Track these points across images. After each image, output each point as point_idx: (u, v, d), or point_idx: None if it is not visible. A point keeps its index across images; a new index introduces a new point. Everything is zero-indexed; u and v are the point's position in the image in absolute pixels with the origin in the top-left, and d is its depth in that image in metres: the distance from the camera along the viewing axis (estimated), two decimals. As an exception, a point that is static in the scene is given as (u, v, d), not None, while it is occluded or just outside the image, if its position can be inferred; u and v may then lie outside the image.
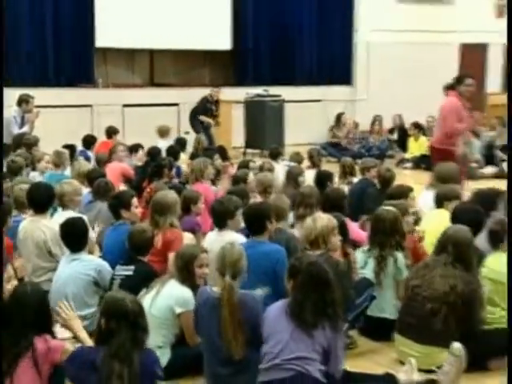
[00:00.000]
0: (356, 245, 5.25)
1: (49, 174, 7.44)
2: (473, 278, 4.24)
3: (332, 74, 14.91)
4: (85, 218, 5.10)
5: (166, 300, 4.11)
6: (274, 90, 13.09)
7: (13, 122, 9.32)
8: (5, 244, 4.65)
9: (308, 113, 14.02)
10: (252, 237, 4.77)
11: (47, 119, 10.37)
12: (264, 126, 12.64)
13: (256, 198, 6.16)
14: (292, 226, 5.65)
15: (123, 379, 3.05)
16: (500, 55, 16.72)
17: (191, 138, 10.81)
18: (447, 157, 7.52)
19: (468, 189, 6.75)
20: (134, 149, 8.97)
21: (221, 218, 5.09)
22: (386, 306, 4.67)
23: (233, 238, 4.88)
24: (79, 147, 9.39)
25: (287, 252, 4.60)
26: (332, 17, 14.83)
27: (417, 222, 5.78)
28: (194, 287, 4.15)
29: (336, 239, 4.53)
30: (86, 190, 6.39)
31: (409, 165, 12.14)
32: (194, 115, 12.06)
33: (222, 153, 9.67)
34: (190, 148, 10.09)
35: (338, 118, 14.11)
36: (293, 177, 6.97)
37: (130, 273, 4.56)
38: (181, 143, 9.85)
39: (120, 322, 3.15)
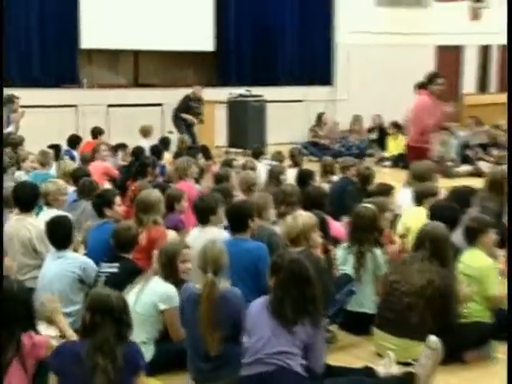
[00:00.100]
0: (337, 241, 5.27)
1: (34, 173, 7.41)
2: (449, 273, 4.27)
3: (313, 75, 14.94)
4: (70, 216, 5.08)
5: (150, 297, 4.10)
6: (256, 91, 13.11)
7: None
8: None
9: (289, 113, 14.04)
10: (234, 234, 4.77)
11: (32, 119, 10.30)
12: (246, 126, 12.66)
13: (238, 196, 6.16)
14: (274, 223, 5.66)
15: (107, 373, 3.04)
16: (475, 57, 16.87)
17: (175, 137, 10.79)
18: (422, 154, 7.58)
19: (444, 187, 6.78)
20: (118, 148, 8.95)
21: (203, 214, 5.09)
22: (366, 301, 4.69)
23: (215, 233, 4.90)
24: (64, 147, 9.34)
25: (269, 249, 4.60)
26: (313, 19, 14.87)
27: (395, 219, 5.81)
28: (177, 283, 4.15)
29: (316, 236, 4.54)
30: (71, 189, 6.36)
31: (388, 163, 12.19)
32: (177, 114, 12.02)
33: (205, 152, 9.68)
34: (173, 147, 10.07)
35: (319, 117, 14.15)
36: (275, 175, 6.98)
37: (115, 270, 4.54)
38: (164, 143, 9.84)
39: (105, 317, 3.14)
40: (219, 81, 14.19)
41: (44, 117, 11.68)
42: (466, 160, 11.66)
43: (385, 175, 10.01)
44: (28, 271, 5.05)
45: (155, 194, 5.37)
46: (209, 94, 12.61)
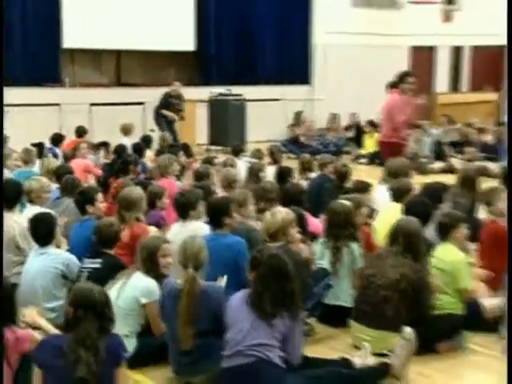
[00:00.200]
0: (314, 237, 5.28)
1: (17, 171, 7.35)
2: (422, 267, 4.30)
3: (291, 75, 14.96)
4: (53, 213, 5.04)
5: (132, 291, 4.08)
6: (236, 90, 13.10)
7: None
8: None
9: (269, 111, 14.05)
10: (214, 230, 4.76)
11: (16, 118, 10.19)
12: (227, 124, 12.65)
13: (219, 193, 6.15)
14: (254, 219, 5.66)
15: (89, 365, 3.02)
16: (447, 57, 17.00)
17: (157, 135, 10.74)
18: (394, 150, 7.62)
19: (418, 183, 6.83)
20: (100, 146, 8.91)
21: (183, 209, 5.09)
22: (342, 294, 4.70)
23: (196, 227, 4.89)
24: (47, 145, 9.27)
25: (249, 244, 4.60)
26: (291, 20, 14.89)
27: (371, 214, 5.84)
28: (158, 277, 4.14)
29: (294, 231, 4.55)
30: (54, 186, 6.31)
31: (364, 160, 12.24)
32: (158, 112, 11.97)
33: (187, 150, 9.66)
34: (155, 145, 10.03)
35: (297, 116, 14.19)
36: (254, 172, 6.97)
37: (98, 265, 4.52)
38: (146, 140, 9.79)
39: (87, 312, 3.12)
40: (200, 80, 14.16)
41: (27, 116, 11.57)
42: (439, 157, 11.76)
43: (361, 172, 10.06)
44: (12, 267, 5.00)
45: (137, 192, 5.35)
46: (190, 92, 12.56)
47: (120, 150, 8.56)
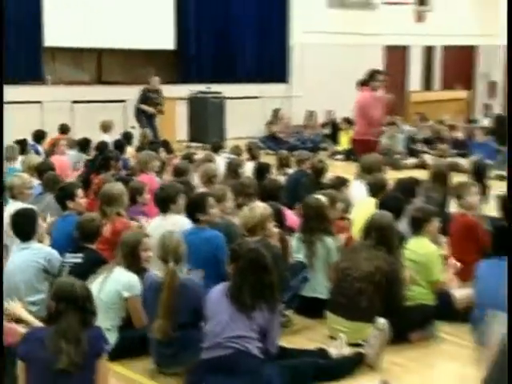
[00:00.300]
0: (292, 231, 5.28)
1: (0, 168, 7.25)
2: (395, 259, 4.32)
3: (269, 73, 14.94)
4: (35, 208, 4.99)
5: (113, 285, 4.06)
6: (215, 88, 13.06)
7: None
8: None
9: (247, 109, 14.03)
10: (194, 224, 4.75)
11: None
12: (206, 121, 12.62)
13: (199, 189, 6.14)
14: (232, 214, 5.65)
15: (71, 357, 3.00)
16: (419, 56, 17.10)
17: (137, 132, 10.69)
18: (367, 147, 7.66)
19: (392, 178, 6.87)
20: (82, 143, 8.85)
21: (163, 203, 5.08)
22: (319, 286, 4.71)
23: (176, 220, 4.88)
24: (30, 142, 9.18)
25: (228, 238, 4.60)
26: (269, 20, 14.88)
27: (347, 209, 5.86)
28: (139, 271, 4.12)
29: (272, 226, 4.55)
30: (36, 182, 6.25)
31: (340, 157, 12.27)
32: (139, 109, 11.90)
33: (167, 146, 9.62)
34: (136, 142, 9.97)
35: (275, 113, 14.18)
36: (233, 168, 6.96)
37: (79, 260, 4.48)
38: (127, 137, 9.75)
39: (69, 306, 3.09)
40: (180, 78, 14.09)
41: (9, 113, 11.39)
42: (412, 153, 11.83)
43: (337, 168, 10.08)
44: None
45: (118, 187, 5.32)
46: (170, 90, 12.49)
47: (102, 146, 8.51)
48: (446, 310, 4.48)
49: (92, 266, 4.31)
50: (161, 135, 11.59)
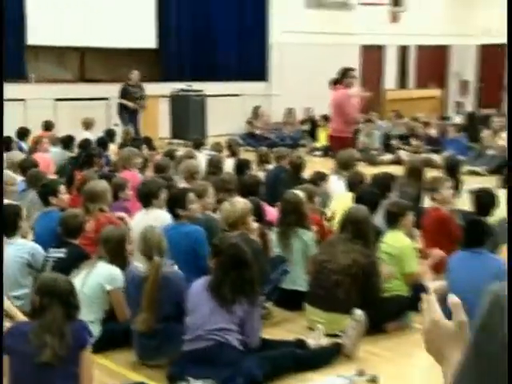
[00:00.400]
0: (271, 225, 5.28)
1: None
2: (371, 253, 4.34)
3: (249, 72, 14.91)
4: (18, 204, 4.92)
5: (97, 279, 4.03)
6: (196, 86, 13.01)
7: None
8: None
9: (228, 106, 13.99)
10: (174, 219, 4.73)
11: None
12: (188, 119, 12.57)
13: (180, 184, 6.11)
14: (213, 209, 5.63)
15: (54, 350, 2.98)
16: (394, 55, 17.18)
17: (120, 129, 10.61)
18: (344, 143, 7.68)
19: (369, 174, 6.90)
20: (65, 140, 8.77)
21: (146, 198, 5.06)
22: (298, 279, 4.72)
23: (157, 215, 4.86)
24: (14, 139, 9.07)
25: (209, 233, 4.58)
26: (249, 19, 14.85)
27: (325, 203, 5.88)
28: (123, 265, 4.09)
29: (252, 220, 4.55)
30: (20, 179, 6.18)
31: (318, 153, 12.27)
32: (120, 106, 11.83)
33: (149, 143, 9.56)
34: (119, 139, 9.90)
35: (255, 110, 14.16)
36: (213, 164, 6.95)
37: (62, 255, 4.44)
38: (110, 134, 9.68)
39: (52, 300, 3.07)
40: (162, 76, 14.01)
41: (-7, 110, 11.26)
42: (388, 149, 11.88)
43: (316, 164, 10.08)
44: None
45: (102, 185, 5.28)
46: (152, 88, 12.43)
47: (85, 143, 8.45)
48: (419, 301, 4.50)
49: (75, 260, 4.28)
50: (143, 132, 11.53)
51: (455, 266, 4.30)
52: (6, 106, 11.65)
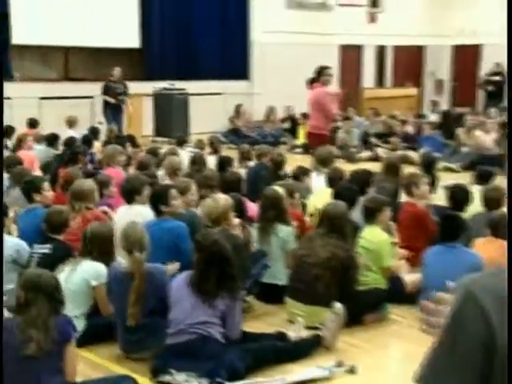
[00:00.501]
0: (252, 221, 5.27)
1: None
2: (349, 246, 4.35)
3: (231, 71, 14.88)
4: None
5: (82, 274, 4.00)
6: (179, 85, 12.95)
7: None
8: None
9: (210, 104, 13.94)
10: (157, 215, 4.70)
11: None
12: (171, 117, 12.51)
13: (163, 181, 6.08)
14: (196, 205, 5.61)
15: (39, 344, 2.96)
16: (372, 55, 17.24)
17: (105, 127, 10.54)
18: (322, 141, 7.69)
19: (348, 170, 6.92)
20: (50, 138, 8.69)
21: (129, 194, 5.04)
22: (278, 273, 4.71)
23: (140, 211, 4.85)
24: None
25: (191, 229, 4.56)
26: (231, 19, 14.81)
27: (305, 199, 5.88)
28: (110, 261, 4.06)
29: (233, 216, 4.54)
30: (4, 176, 6.11)
31: (299, 150, 12.27)
32: (105, 104, 11.76)
33: (133, 141, 9.51)
34: (103, 137, 9.83)
35: (237, 109, 14.13)
36: (196, 161, 6.92)
37: (47, 251, 4.41)
38: (94, 132, 9.61)
39: (37, 295, 3.05)
40: (145, 75, 13.93)
41: (-22, 109, 11.12)
42: (366, 146, 11.92)
43: (296, 161, 10.05)
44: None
45: (89, 184, 5.22)
46: (135, 87, 12.37)
47: (70, 141, 8.40)
48: (396, 293, 4.53)
49: (60, 256, 4.24)
50: (127, 130, 11.47)
51: (431, 260, 4.34)
52: (-9, 104, 11.58)
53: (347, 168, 7.04)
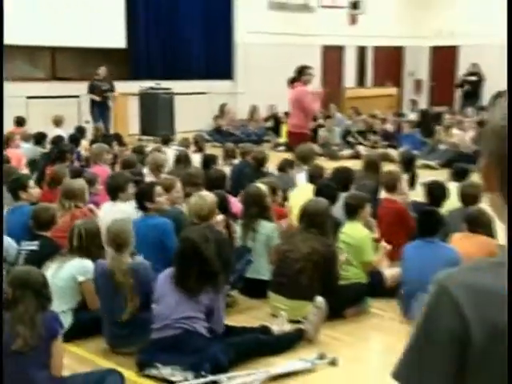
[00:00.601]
0: (236, 217, 5.26)
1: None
2: (330, 241, 4.35)
3: (216, 70, 14.84)
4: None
5: (69, 270, 3.98)
6: (165, 84, 12.90)
7: None
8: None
9: (195, 104, 13.90)
10: (143, 212, 4.68)
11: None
12: (157, 116, 12.46)
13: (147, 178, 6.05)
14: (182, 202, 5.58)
15: (26, 339, 2.94)
16: (353, 56, 17.29)
17: (91, 126, 10.47)
18: (302, 139, 7.69)
19: (330, 168, 6.93)
20: (37, 137, 8.62)
21: (113, 191, 5.00)
22: (262, 269, 4.71)
23: (122, 207, 4.82)
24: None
25: (176, 225, 4.54)
26: (216, 20, 14.76)
27: (287, 194, 5.88)
28: (96, 257, 4.03)
29: (217, 213, 4.53)
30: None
31: (282, 148, 12.26)
32: (91, 103, 11.68)
33: (119, 139, 9.45)
34: (90, 135, 9.77)
35: (222, 108, 14.10)
36: (181, 159, 6.90)
37: (35, 247, 4.37)
38: (80, 131, 9.55)
39: (25, 292, 3.02)
40: (131, 75, 13.85)
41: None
42: (347, 144, 11.96)
43: (279, 159, 10.06)
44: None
45: (80, 183, 5.18)
46: (122, 86, 12.31)
47: (58, 140, 8.33)
48: (377, 287, 4.55)
49: (47, 253, 4.21)
50: (114, 129, 11.40)
51: (410, 254, 4.35)
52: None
53: (329, 165, 7.05)
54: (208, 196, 4.52)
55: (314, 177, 5.91)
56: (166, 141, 8.72)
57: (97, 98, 11.60)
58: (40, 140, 8.72)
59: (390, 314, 4.39)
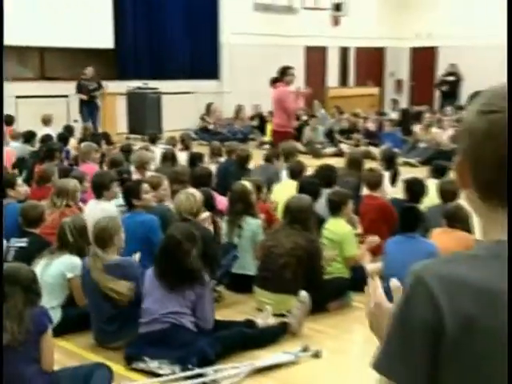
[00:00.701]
0: (222, 214, 5.25)
1: None
2: (313, 237, 4.36)
3: (202, 70, 14.80)
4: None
5: (58, 266, 3.95)
6: (152, 84, 12.85)
7: None
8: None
9: (182, 103, 13.86)
10: (130, 209, 4.65)
11: None
12: (144, 115, 12.42)
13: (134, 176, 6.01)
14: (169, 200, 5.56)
15: (14, 334, 2.91)
16: (336, 56, 17.33)
17: (80, 125, 10.40)
18: (286, 137, 7.70)
19: (314, 165, 6.94)
20: (27, 135, 8.53)
21: (98, 189, 4.98)
22: (247, 264, 4.71)
23: (105, 206, 4.81)
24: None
25: (163, 222, 4.52)
26: (201, 21, 14.72)
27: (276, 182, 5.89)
28: (83, 253, 4.00)
29: (203, 210, 4.51)
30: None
31: (267, 146, 12.26)
32: (80, 103, 11.61)
33: (107, 138, 9.39)
34: (78, 134, 9.69)
35: (208, 107, 14.06)
36: (168, 157, 6.87)
37: (24, 244, 4.33)
38: (69, 130, 9.47)
39: (14, 288, 2.99)
40: (119, 75, 13.77)
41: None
42: (331, 142, 11.98)
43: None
44: None
45: (73, 183, 5.13)
46: (110, 86, 12.24)
47: (47, 138, 8.26)
48: (359, 281, 4.55)
49: (36, 249, 4.18)
50: (102, 128, 11.33)
51: (391, 249, 4.37)
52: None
53: (313, 163, 7.06)
54: (197, 193, 4.50)
55: (294, 172, 5.92)
56: (154, 139, 8.68)
57: (84, 97, 11.57)
58: (29, 138, 8.63)
59: (371, 307, 4.40)
